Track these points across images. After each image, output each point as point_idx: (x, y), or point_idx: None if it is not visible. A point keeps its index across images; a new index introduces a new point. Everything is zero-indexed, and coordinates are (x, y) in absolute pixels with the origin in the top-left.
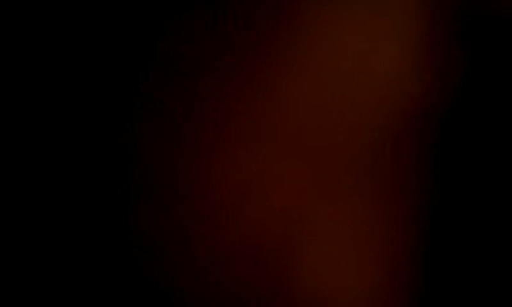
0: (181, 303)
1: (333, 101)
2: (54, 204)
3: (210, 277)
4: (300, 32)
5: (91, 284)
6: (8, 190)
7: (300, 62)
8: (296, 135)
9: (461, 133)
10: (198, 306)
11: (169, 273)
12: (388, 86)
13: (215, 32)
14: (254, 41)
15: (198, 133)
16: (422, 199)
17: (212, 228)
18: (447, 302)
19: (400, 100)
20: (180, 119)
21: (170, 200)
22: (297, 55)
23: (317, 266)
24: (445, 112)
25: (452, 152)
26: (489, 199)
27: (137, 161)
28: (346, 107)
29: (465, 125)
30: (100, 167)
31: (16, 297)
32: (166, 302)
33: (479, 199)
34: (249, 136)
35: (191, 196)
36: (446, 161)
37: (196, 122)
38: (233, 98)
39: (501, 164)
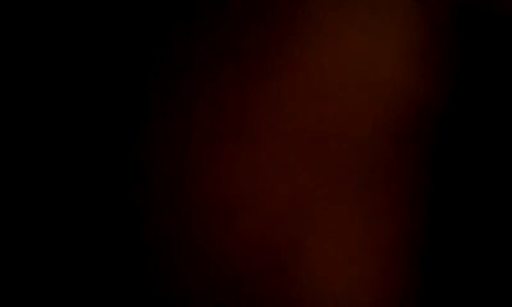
0: (184, 301)
1: (334, 102)
2: (60, 201)
3: (213, 276)
4: (302, 35)
5: (96, 282)
6: (20, 191)
7: (301, 64)
8: (297, 136)
9: (461, 132)
10: (201, 304)
11: (172, 271)
12: (388, 87)
13: (218, 34)
14: (256, 42)
15: (202, 136)
16: (423, 198)
17: (215, 227)
18: (448, 300)
19: (400, 100)
20: (184, 121)
21: (173, 200)
22: (298, 57)
23: (318, 265)
24: (444, 112)
25: (452, 151)
26: (488, 198)
27: (142, 162)
28: (347, 108)
29: (465, 124)
30: (105, 168)
31: (23, 296)
32: (169, 300)
33: (478, 198)
34: (253, 138)
35: (195, 197)
36: (446, 160)
37: (200, 124)
38: (237, 102)
39: (500, 163)
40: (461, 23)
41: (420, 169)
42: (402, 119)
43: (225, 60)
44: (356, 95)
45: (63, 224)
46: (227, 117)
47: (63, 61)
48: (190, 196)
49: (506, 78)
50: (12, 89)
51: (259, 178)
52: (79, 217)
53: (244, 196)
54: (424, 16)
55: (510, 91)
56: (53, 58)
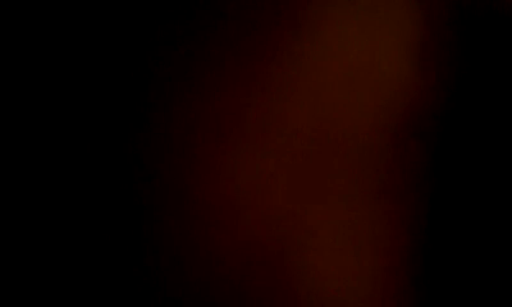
0: (183, 300)
1: (334, 102)
2: (61, 202)
3: (211, 278)
4: (301, 35)
5: (94, 283)
6: (20, 191)
7: (301, 64)
8: (297, 136)
9: (461, 132)
10: (200, 303)
11: (172, 271)
12: (388, 87)
13: (218, 34)
14: (256, 42)
15: (201, 137)
16: (422, 198)
17: (214, 229)
18: (447, 302)
19: (400, 100)
20: (183, 121)
21: (173, 200)
22: (298, 57)
23: (317, 266)
24: (445, 112)
25: (452, 151)
26: (489, 198)
27: (141, 162)
28: (347, 108)
29: (465, 124)
30: (103, 169)
31: (21, 296)
32: (168, 300)
33: (479, 197)
34: (252, 138)
35: (195, 196)
36: (445, 161)
37: (200, 125)
38: (236, 101)
39: (501, 163)
40: (461, 23)
41: (420, 168)
42: (402, 119)
43: (225, 60)
44: (356, 95)
45: (64, 225)
46: (227, 117)
47: (64, 62)
48: (190, 196)
49: (506, 78)
50: (12, 88)
51: (259, 177)
52: (78, 216)
53: (244, 196)
54: (424, 16)
55: (510, 90)
56: (53, 58)
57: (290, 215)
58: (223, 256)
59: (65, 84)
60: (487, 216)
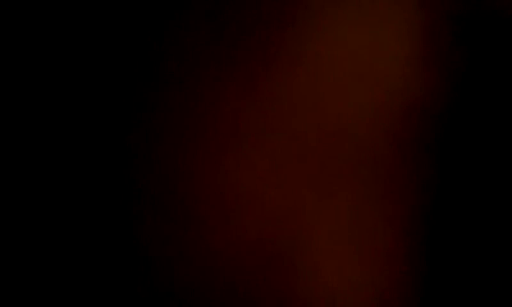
0: (184, 300)
1: (334, 102)
2: (55, 203)
3: (212, 275)
4: (301, 36)
5: (94, 282)
6: (16, 191)
7: (300, 63)
8: (297, 136)
9: (461, 132)
10: (200, 303)
11: (172, 271)
12: (388, 86)
13: (218, 34)
14: (256, 42)
15: (200, 136)
16: (422, 198)
17: (215, 228)
18: (447, 300)
19: (400, 101)
20: (182, 122)
21: (173, 200)
22: (298, 57)
23: (318, 266)
24: (445, 112)
25: (452, 151)
26: (489, 198)
27: (141, 163)
28: (347, 108)
29: (465, 125)
30: (102, 169)
31: (19, 297)
32: (169, 300)
33: (479, 198)
34: (253, 136)
35: (194, 198)
36: (445, 160)
37: (199, 125)
38: (235, 100)
39: (500, 163)
40: (461, 24)
41: (420, 169)
42: (402, 120)
43: (224, 60)
44: (357, 96)
45: (61, 225)
46: (226, 116)
47: (62, 63)
48: (190, 196)
49: (506, 79)
50: (10, 85)
51: (259, 177)
52: (77, 214)
53: (244, 195)
54: (425, 16)
55: (510, 92)
56: (52, 58)
57: (290, 215)
58: (224, 256)
59: (65, 84)
60: (488, 215)
